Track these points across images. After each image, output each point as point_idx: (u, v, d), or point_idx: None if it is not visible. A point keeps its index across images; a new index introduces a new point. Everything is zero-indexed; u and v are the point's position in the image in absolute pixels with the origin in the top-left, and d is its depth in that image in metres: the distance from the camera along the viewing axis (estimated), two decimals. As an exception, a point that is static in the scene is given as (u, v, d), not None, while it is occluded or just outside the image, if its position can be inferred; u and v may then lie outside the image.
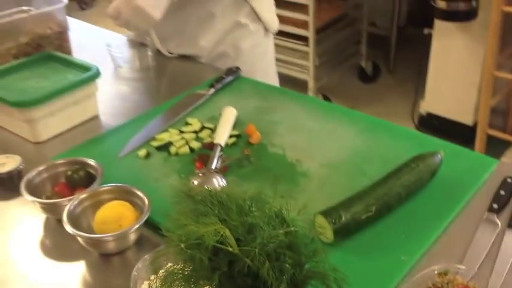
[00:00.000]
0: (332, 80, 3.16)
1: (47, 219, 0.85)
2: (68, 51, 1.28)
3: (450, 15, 2.32)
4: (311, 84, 2.86)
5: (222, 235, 0.53)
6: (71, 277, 0.76)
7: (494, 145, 2.44)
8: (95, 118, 1.14)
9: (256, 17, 1.37)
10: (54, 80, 1.10)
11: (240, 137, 1.02)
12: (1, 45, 1.18)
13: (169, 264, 0.61)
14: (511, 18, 2.20)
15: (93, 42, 1.49)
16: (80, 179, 0.87)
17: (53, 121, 1.06)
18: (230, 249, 0.53)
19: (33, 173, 0.87)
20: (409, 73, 3.09)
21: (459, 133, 2.55)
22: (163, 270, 0.59)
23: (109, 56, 1.35)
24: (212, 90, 1.17)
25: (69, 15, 4.01)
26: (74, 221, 0.78)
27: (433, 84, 2.63)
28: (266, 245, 0.52)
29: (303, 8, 2.76)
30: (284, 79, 3.01)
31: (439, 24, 2.48)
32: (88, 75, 1.09)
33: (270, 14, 1.42)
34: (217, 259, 0.55)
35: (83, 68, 1.13)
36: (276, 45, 2.85)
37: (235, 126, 1.05)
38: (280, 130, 1.04)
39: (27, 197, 0.82)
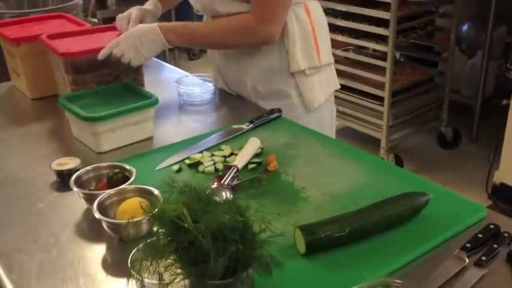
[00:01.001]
0: (408, 142, 3.21)
1: (87, 209, 1.04)
2: (141, 83, 1.52)
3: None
4: (383, 143, 2.93)
5: (181, 213, 0.68)
6: (94, 254, 0.94)
7: None
8: (150, 139, 1.34)
9: (300, 92, 1.48)
10: (121, 104, 1.33)
11: (260, 164, 1.16)
12: (88, 74, 1.43)
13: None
14: None
15: (167, 78, 1.74)
16: (118, 180, 1.06)
17: (113, 136, 1.27)
18: (185, 225, 0.68)
19: (82, 171, 1.08)
20: (491, 143, 3.05)
21: (531, 206, 2.48)
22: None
23: (177, 91, 1.57)
24: (251, 126, 1.34)
25: (179, 64, 4.41)
26: (103, 211, 0.96)
27: (508, 155, 2.60)
28: (210, 224, 0.66)
29: (382, 70, 2.88)
30: (358, 136, 3.13)
31: (515, 95, 2.48)
32: (146, 102, 1.31)
33: (312, 93, 1.49)
34: (179, 234, 0.69)
35: (147, 96, 1.35)
36: (353, 103, 3.01)
37: (260, 155, 1.20)
38: (297, 163, 1.17)
39: (73, 187, 1.03)
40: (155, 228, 0.70)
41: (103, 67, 1.46)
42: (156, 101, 1.32)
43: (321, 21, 1.51)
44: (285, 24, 1.41)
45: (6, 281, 0.87)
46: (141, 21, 1.53)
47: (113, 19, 4.29)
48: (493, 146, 2.80)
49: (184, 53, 5.15)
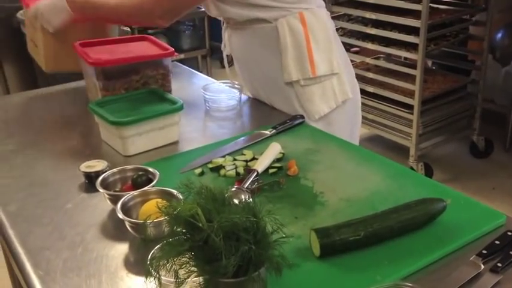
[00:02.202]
0: (439, 150, 3.18)
1: (112, 210, 1.08)
2: (168, 90, 1.56)
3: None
4: (412, 152, 2.91)
5: (195, 212, 0.70)
6: (117, 253, 0.97)
7: None
8: (176, 143, 1.38)
9: (299, 102, 1.49)
10: (148, 109, 1.37)
11: (281, 169, 1.19)
12: (118, 80, 1.49)
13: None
14: None
15: (195, 85, 1.78)
16: (142, 182, 1.10)
17: (140, 140, 1.32)
18: (199, 224, 0.70)
19: (108, 173, 1.12)
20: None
21: None
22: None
23: (203, 97, 1.61)
24: (274, 131, 1.36)
25: (211, 71, 4.51)
26: (126, 211, 1.00)
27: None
28: (222, 223, 0.69)
29: (413, 78, 2.86)
30: (387, 144, 3.12)
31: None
32: (171, 107, 1.35)
33: (312, 104, 1.47)
34: (193, 233, 0.72)
35: (173, 102, 1.39)
36: (383, 111, 2.99)
37: (281, 160, 1.22)
38: (317, 168, 1.19)
39: (99, 188, 1.07)
40: (171, 227, 0.73)
41: (132, 74, 1.51)
42: (181, 107, 1.36)
43: (320, 30, 1.46)
44: (278, 34, 1.44)
45: (33, 277, 0.91)
46: None
47: (147, 28, 4.36)
48: (526, 155, 2.75)
49: (217, 61, 5.22)
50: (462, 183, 2.91)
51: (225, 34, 1.60)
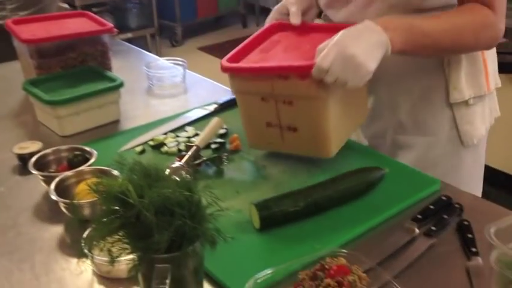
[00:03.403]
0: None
1: (47, 192, 1.04)
2: (108, 68, 1.51)
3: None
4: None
5: (125, 189, 0.68)
6: (52, 235, 0.94)
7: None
8: (117, 122, 1.35)
9: (455, 125, 1.17)
10: (86, 87, 1.33)
11: (223, 145, 1.17)
12: (53, 58, 1.43)
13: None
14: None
15: (138, 63, 1.74)
16: (79, 162, 1.07)
17: (78, 120, 1.27)
18: (130, 200, 0.68)
19: (42, 154, 1.08)
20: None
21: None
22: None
23: (146, 75, 1.57)
24: (217, 107, 1.35)
25: (161, 50, 4.40)
26: (61, 192, 0.97)
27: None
28: (153, 198, 0.67)
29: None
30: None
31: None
32: (109, 85, 1.31)
33: (472, 126, 1.17)
34: (125, 209, 0.70)
35: (112, 79, 1.35)
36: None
37: (225, 136, 1.21)
38: (259, 142, 1.18)
39: (32, 169, 1.03)
40: (102, 206, 0.71)
41: (68, 51, 1.45)
42: (120, 84, 1.32)
43: None
44: None
45: (-38, 263, 0.87)
46: (303, 15, 1.18)
47: (91, 6, 4.20)
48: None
49: (166, 40, 5.13)
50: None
51: None
